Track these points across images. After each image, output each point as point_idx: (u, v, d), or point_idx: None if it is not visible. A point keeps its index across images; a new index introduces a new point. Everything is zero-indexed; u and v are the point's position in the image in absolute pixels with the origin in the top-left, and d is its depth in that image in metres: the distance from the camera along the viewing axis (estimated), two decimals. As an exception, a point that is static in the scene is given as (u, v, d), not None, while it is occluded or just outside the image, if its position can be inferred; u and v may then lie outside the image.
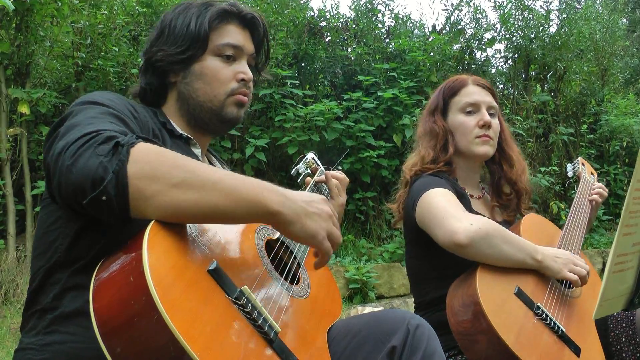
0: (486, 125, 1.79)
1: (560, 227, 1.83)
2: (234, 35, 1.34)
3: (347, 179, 1.61)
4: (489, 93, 1.85)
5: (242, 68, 1.34)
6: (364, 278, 4.43)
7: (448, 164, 1.82)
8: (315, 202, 1.07)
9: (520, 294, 1.51)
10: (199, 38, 1.29)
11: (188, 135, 1.32)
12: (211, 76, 1.31)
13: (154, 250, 0.87)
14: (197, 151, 1.33)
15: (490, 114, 1.82)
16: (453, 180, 1.80)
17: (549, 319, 1.51)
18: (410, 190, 1.78)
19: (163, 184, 0.92)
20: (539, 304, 1.52)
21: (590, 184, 2.07)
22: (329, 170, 1.64)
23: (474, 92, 1.83)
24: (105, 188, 0.89)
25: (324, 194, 1.55)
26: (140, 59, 1.47)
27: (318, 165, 1.65)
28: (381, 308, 4.01)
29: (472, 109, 1.82)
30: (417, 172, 1.82)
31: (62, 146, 0.95)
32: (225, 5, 1.34)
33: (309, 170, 1.62)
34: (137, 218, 0.93)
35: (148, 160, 0.93)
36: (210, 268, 0.95)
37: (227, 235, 1.07)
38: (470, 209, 1.72)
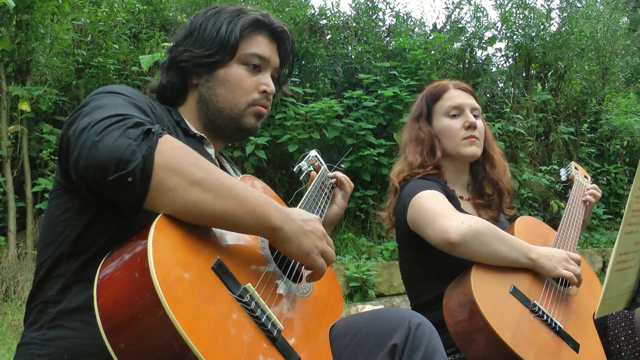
0: (472, 127, 1.81)
1: (557, 227, 1.84)
2: (262, 46, 1.35)
3: (352, 185, 1.65)
4: (470, 95, 1.88)
5: (266, 80, 1.35)
6: (364, 276, 4.43)
7: (437, 167, 1.83)
8: (311, 221, 1.11)
9: (515, 292, 1.52)
10: (229, 44, 1.29)
11: (202, 134, 1.32)
12: (234, 83, 1.31)
13: (159, 247, 0.87)
14: (211, 151, 1.33)
15: (474, 116, 1.84)
16: (442, 182, 1.82)
17: (545, 316, 1.51)
18: (400, 196, 1.79)
19: (183, 179, 0.93)
20: (535, 302, 1.52)
21: (583, 186, 2.09)
22: (332, 167, 1.65)
23: (456, 96, 1.86)
24: (133, 170, 0.90)
25: (326, 193, 1.56)
26: (162, 56, 1.48)
27: (321, 163, 1.66)
28: (381, 306, 4.01)
29: (456, 112, 1.84)
30: (405, 177, 1.83)
31: (88, 122, 0.96)
32: (258, 15, 1.35)
33: (311, 168, 1.63)
34: (148, 209, 0.94)
35: (173, 153, 0.95)
36: (215, 265, 0.95)
37: (232, 233, 1.08)
38: (460, 210, 1.72)
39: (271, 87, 1.35)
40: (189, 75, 1.33)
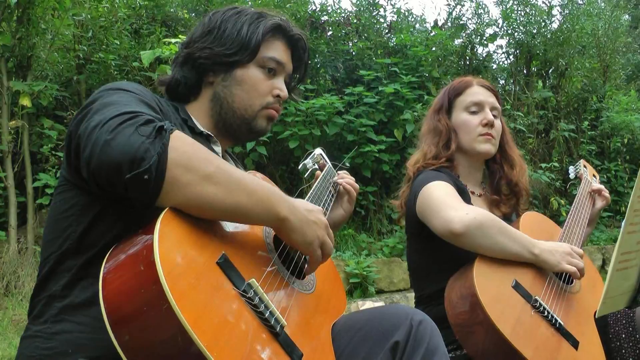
0: (489, 124, 1.83)
1: (561, 223, 1.84)
2: (280, 51, 1.37)
3: (358, 188, 1.65)
4: (492, 94, 1.90)
5: (280, 85, 1.37)
6: (364, 272, 4.44)
7: (449, 161, 1.85)
8: (314, 211, 1.15)
9: (517, 287, 1.53)
10: (250, 46, 1.31)
11: (209, 133, 1.32)
12: (251, 85, 1.33)
13: (165, 240, 0.87)
14: (218, 149, 1.33)
15: (493, 115, 1.86)
16: (455, 176, 1.83)
17: (546, 312, 1.52)
18: (412, 186, 1.81)
19: (195, 174, 0.95)
20: (536, 297, 1.53)
21: (591, 185, 2.07)
22: (336, 166, 1.65)
23: (478, 92, 1.88)
24: (149, 168, 0.90)
25: (330, 191, 1.56)
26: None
27: (326, 161, 1.66)
28: (381, 303, 4.02)
29: (476, 108, 1.86)
30: (419, 168, 1.85)
31: (99, 120, 0.96)
32: (279, 20, 1.37)
33: (316, 166, 1.62)
34: (160, 206, 0.94)
35: (185, 150, 0.96)
36: (219, 260, 0.95)
37: (237, 228, 1.09)
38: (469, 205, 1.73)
39: (285, 92, 1.37)
40: (205, 72, 1.33)
